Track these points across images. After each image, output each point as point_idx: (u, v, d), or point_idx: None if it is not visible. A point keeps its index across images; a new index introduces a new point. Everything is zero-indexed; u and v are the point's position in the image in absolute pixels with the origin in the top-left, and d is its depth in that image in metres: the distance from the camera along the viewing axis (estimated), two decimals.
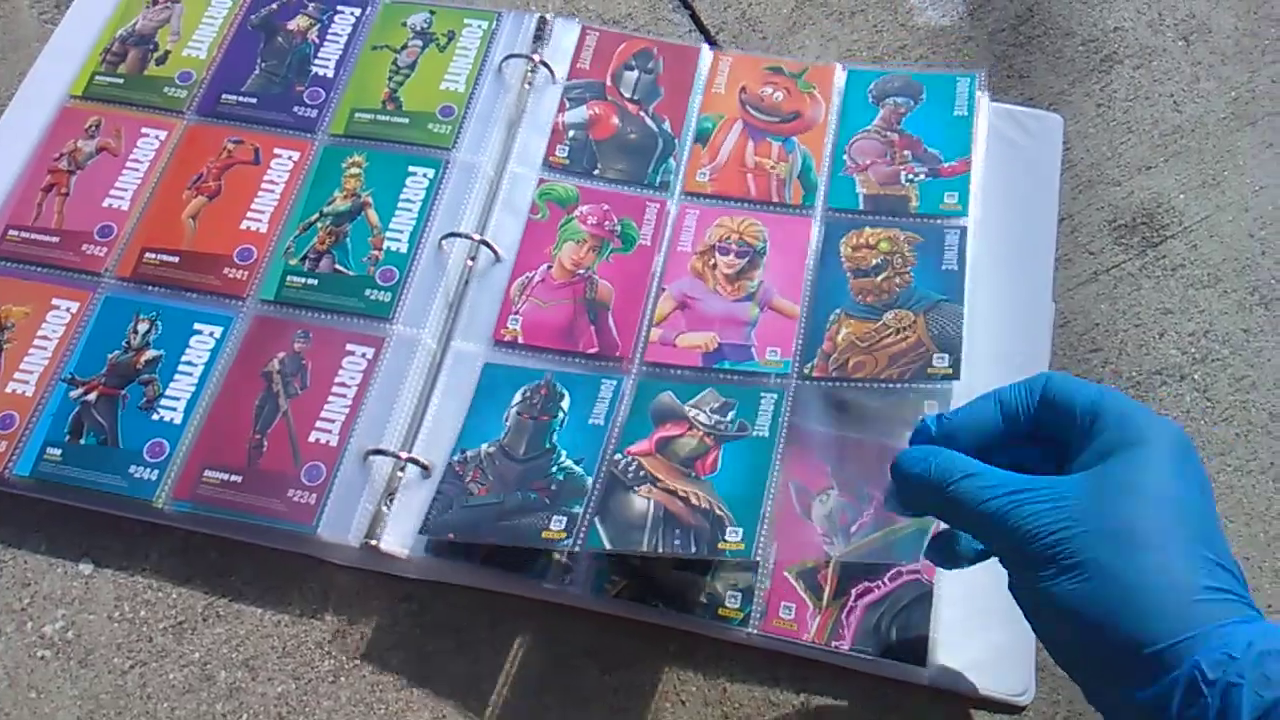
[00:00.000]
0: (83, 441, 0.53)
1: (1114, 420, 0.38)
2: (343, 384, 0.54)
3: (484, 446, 0.52)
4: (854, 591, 0.50)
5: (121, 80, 0.63)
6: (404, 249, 0.57)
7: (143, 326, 0.56)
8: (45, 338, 0.56)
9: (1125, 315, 0.58)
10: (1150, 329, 0.57)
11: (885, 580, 0.50)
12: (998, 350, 0.55)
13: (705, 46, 0.64)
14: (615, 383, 0.53)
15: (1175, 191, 0.61)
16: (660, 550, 0.47)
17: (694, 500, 0.48)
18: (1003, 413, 0.41)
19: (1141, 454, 0.37)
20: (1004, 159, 0.61)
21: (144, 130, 0.62)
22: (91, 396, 0.54)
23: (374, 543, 0.51)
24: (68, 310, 0.56)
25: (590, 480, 0.50)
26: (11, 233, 0.59)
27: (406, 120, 0.61)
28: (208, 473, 0.52)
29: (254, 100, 0.62)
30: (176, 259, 0.58)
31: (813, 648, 0.49)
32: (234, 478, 0.52)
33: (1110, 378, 0.56)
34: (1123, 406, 0.39)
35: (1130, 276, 0.59)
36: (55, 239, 0.58)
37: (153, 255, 0.58)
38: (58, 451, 0.53)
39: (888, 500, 0.43)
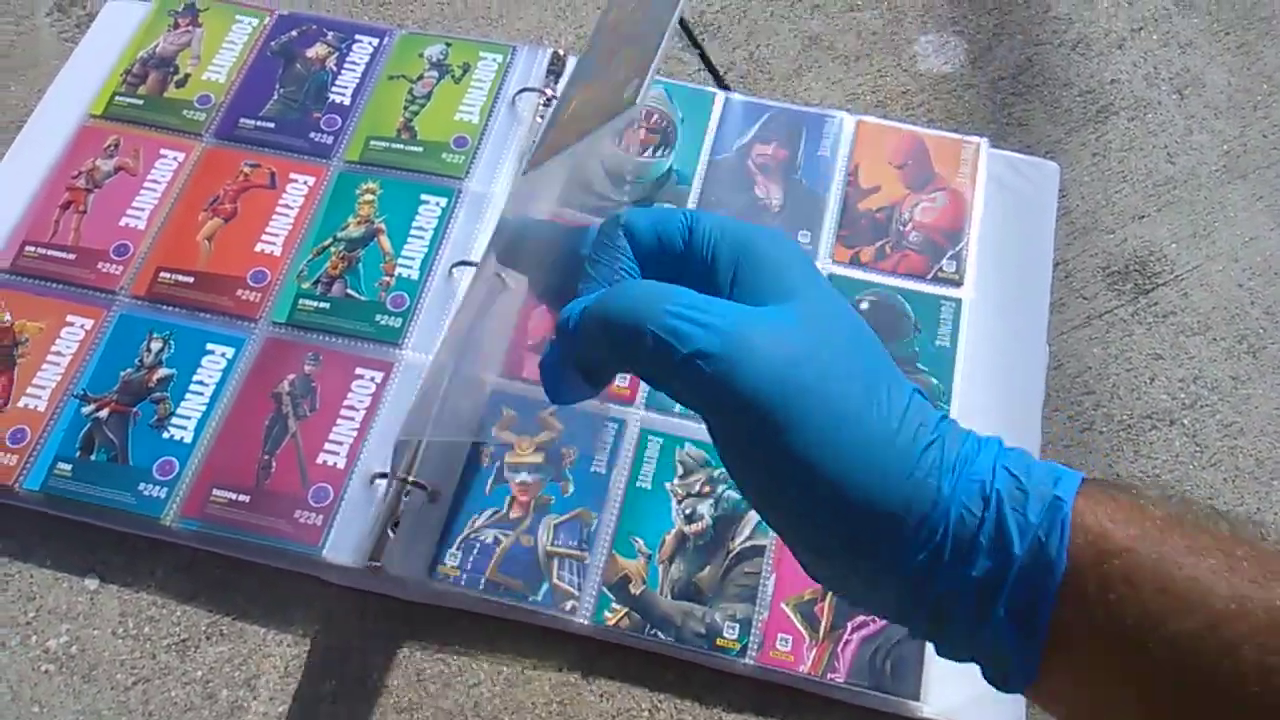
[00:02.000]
0: (93, 458, 0.54)
1: (749, 261, 0.31)
2: (351, 407, 0.55)
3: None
4: (849, 625, 0.51)
5: (141, 101, 0.64)
6: (415, 276, 0.58)
7: (156, 345, 0.57)
8: (58, 353, 0.56)
9: (1117, 360, 0.59)
10: (1141, 374, 0.59)
11: None
12: (992, 391, 0.56)
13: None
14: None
15: (1167, 241, 0.63)
16: None
17: None
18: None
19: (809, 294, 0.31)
20: (1001, 205, 0.62)
21: (162, 151, 0.63)
22: (104, 413, 0.55)
23: (377, 565, 0.52)
24: (81, 327, 0.57)
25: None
26: (28, 249, 0.60)
27: (420, 149, 0.62)
28: (216, 492, 0.53)
29: (271, 125, 0.63)
30: (191, 279, 0.59)
31: (808, 679, 0.50)
32: (242, 497, 0.53)
33: (1102, 420, 0.58)
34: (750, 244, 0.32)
35: (1122, 322, 0.60)
36: (71, 256, 0.59)
37: (168, 275, 0.59)
38: (68, 467, 0.53)
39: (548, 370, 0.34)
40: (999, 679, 0.29)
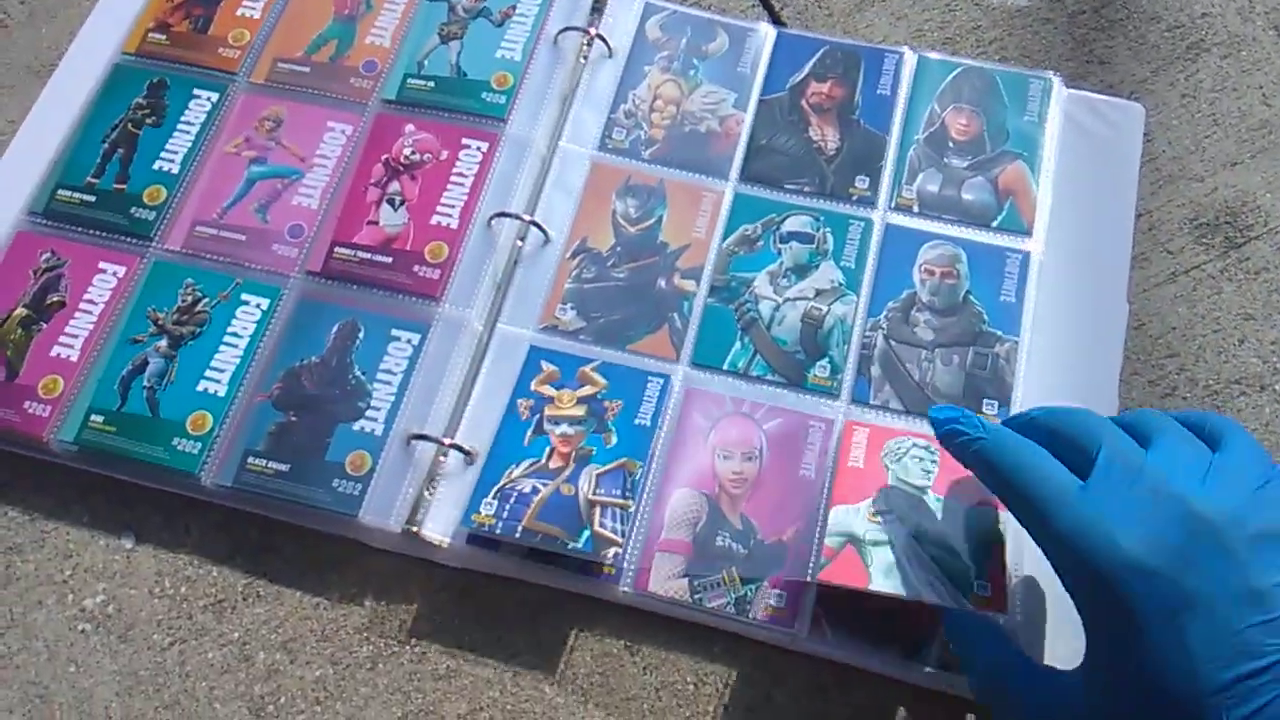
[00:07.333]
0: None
1: None
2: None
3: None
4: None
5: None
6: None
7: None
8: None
9: (1204, 320, 0.55)
10: (1230, 335, 0.55)
11: None
12: (1067, 351, 0.52)
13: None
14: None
15: (1261, 190, 0.58)
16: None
17: None
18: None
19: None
20: (1080, 150, 0.58)
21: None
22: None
23: (415, 529, 0.50)
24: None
25: None
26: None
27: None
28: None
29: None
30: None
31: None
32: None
33: (1186, 385, 0.54)
34: None
35: (1210, 279, 0.56)
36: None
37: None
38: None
39: None
40: None
